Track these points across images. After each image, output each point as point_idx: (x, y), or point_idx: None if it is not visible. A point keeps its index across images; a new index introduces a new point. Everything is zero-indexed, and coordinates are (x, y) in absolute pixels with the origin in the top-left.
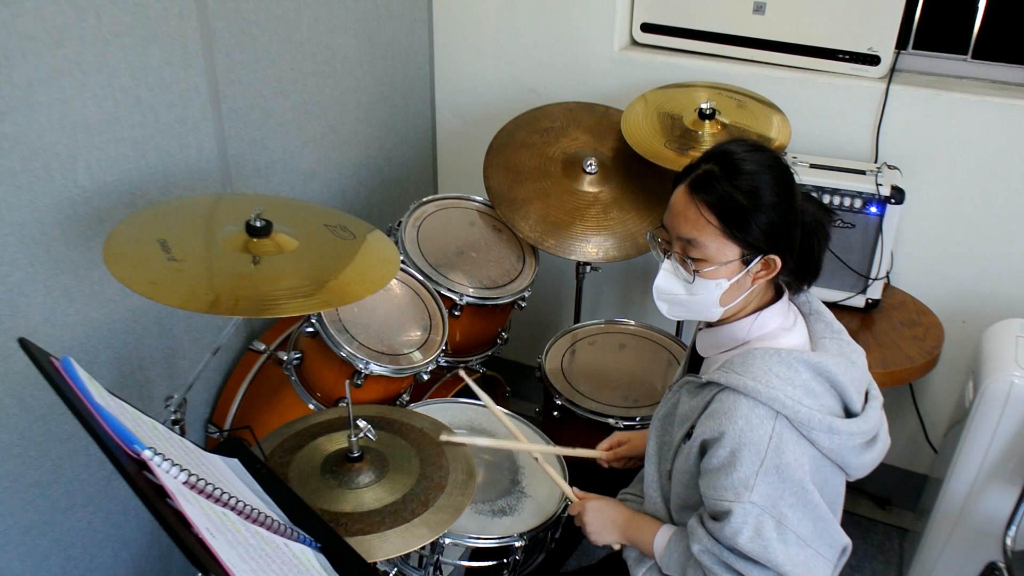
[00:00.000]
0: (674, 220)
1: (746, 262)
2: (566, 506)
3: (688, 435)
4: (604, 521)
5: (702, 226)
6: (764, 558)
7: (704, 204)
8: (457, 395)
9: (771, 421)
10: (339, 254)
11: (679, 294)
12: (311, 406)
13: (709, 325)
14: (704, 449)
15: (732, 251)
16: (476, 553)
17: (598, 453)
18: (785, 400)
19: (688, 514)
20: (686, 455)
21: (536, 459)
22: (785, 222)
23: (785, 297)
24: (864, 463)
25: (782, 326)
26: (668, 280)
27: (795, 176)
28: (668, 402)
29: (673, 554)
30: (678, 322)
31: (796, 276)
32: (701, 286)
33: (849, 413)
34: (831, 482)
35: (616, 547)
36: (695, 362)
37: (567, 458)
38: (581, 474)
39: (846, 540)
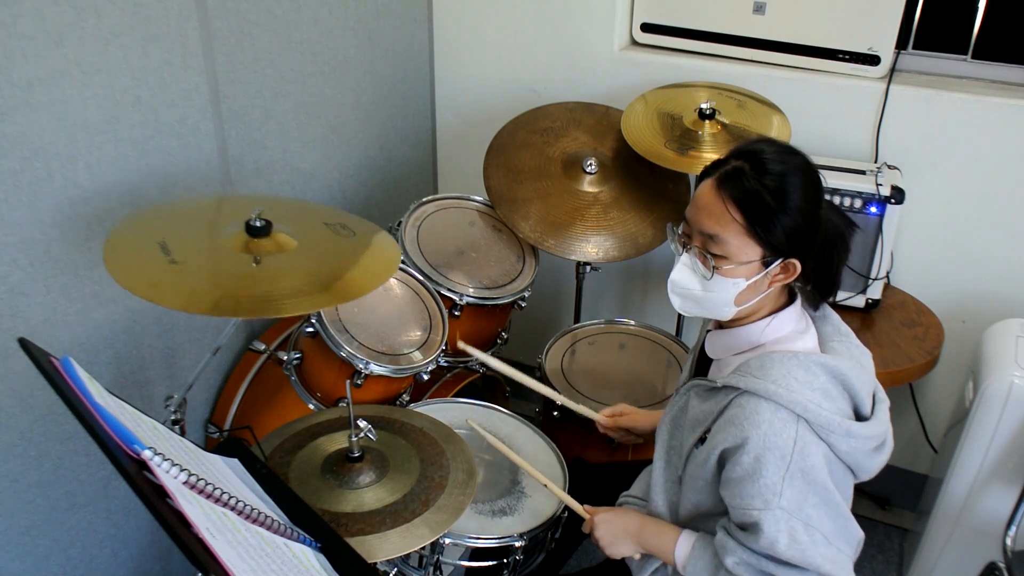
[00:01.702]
0: (698, 214)
1: (766, 263)
2: (567, 506)
3: (702, 440)
4: (616, 532)
5: (727, 222)
6: (804, 562)
7: (731, 200)
8: (457, 395)
9: (794, 424)
10: (340, 251)
11: (694, 290)
12: (311, 406)
13: (720, 327)
14: (724, 459)
15: (754, 251)
16: (476, 553)
17: (599, 416)
18: (806, 404)
19: (699, 521)
20: (700, 462)
21: (546, 486)
22: (809, 227)
23: (799, 301)
24: (874, 466)
25: (796, 329)
26: (684, 275)
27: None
28: (676, 405)
29: (699, 562)
30: (678, 322)
31: (815, 287)
32: (718, 284)
33: (859, 416)
34: (841, 484)
35: (636, 556)
36: (703, 364)
37: (565, 419)
38: (581, 479)
39: (860, 533)
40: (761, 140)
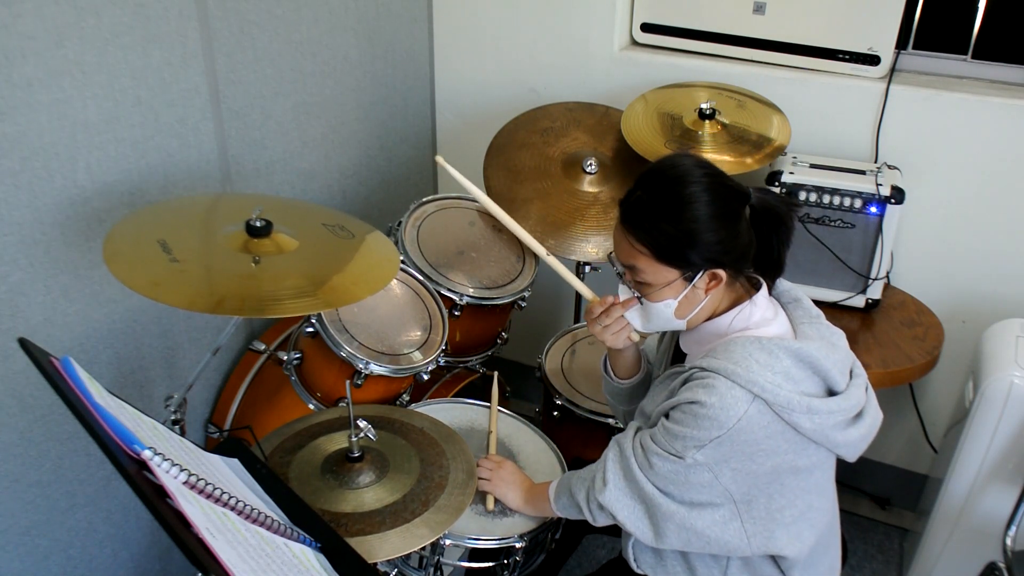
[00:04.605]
0: (616, 250)
1: (688, 279)
2: None
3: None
4: (515, 481)
5: (636, 256)
6: (678, 492)
7: (633, 235)
8: (457, 395)
9: (745, 404)
10: (338, 254)
11: (641, 313)
12: (311, 406)
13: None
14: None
15: (671, 273)
16: (477, 554)
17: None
18: (764, 384)
19: None
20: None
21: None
22: (719, 238)
23: (764, 289)
24: (851, 439)
25: (763, 318)
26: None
27: (721, 187)
28: (649, 394)
29: (562, 495)
30: None
31: (762, 271)
32: (652, 306)
33: (833, 393)
34: (823, 465)
35: (490, 506)
36: (678, 358)
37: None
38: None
39: (784, 550)
40: (664, 160)
